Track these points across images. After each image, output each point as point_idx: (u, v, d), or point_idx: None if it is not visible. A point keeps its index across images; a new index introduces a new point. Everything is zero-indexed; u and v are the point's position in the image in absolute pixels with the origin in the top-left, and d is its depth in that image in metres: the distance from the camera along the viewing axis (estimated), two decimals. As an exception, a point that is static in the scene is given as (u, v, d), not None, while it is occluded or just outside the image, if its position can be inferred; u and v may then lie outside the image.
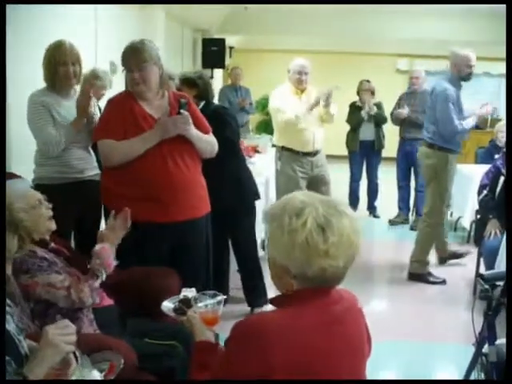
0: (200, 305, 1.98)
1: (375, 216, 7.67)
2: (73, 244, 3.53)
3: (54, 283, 2.38)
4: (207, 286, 2.91)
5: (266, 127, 12.61)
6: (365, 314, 1.71)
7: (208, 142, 3.36)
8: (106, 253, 2.50)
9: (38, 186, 3.49)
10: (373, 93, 7.34)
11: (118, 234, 2.65)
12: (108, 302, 2.68)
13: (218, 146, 3.68)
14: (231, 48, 11.74)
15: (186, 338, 2.41)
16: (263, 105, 13.08)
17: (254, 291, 4.31)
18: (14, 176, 2.83)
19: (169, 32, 7.66)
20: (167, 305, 2.14)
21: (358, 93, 7.47)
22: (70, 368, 1.76)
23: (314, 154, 5.27)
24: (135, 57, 3.10)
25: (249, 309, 4.36)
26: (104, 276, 2.47)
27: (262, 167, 6.28)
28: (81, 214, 3.52)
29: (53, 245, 2.64)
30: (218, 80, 10.16)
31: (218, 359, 1.63)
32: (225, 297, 2.13)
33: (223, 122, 3.98)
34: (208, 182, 3.50)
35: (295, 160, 5.25)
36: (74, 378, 1.75)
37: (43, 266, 2.41)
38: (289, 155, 5.28)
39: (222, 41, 9.46)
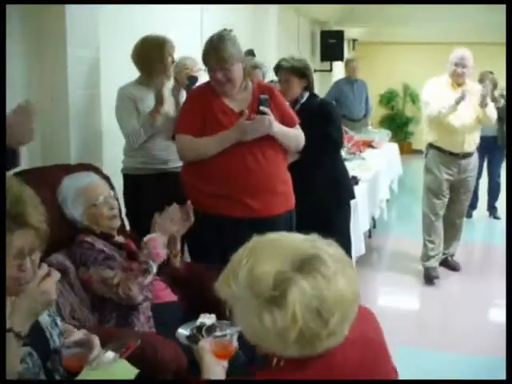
0: (217, 334, 1.77)
1: (496, 217, 7.19)
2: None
3: (106, 279, 2.34)
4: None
5: (389, 122, 12.21)
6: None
7: (294, 138, 3.18)
8: (154, 243, 2.43)
9: (126, 177, 3.61)
10: (495, 85, 6.77)
11: (177, 226, 2.57)
12: (171, 297, 2.59)
13: (319, 143, 3.57)
14: (354, 41, 11.44)
15: (247, 343, 2.25)
16: (388, 98, 12.69)
17: None
18: (91, 168, 2.85)
19: (283, 24, 7.57)
20: (182, 332, 2.00)
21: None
22: (93, 352, 1.67)
23: (464, 156, 4.83)
24: (217, 57, 2.93)
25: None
26: (154, 268, 2.38)
27: (372, 163, 6.02)
28: (164, 206, 3.48)
29: (117, 238, 2.61)
30: (336, 73, 9.91)
31: None
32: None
33: (329, 119, 3.77)
34: (304, 180, 3.42)
35: (442, 160, 4.86)
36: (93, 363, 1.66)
37: (98, 259, 2.38)
38: (435, 154, 4.91)
39: (341, 33, 9.27)
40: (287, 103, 3.34)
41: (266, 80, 4.30)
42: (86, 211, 2.50)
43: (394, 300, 4.80)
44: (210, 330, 1.87)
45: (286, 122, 3.12)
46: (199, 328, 1.96)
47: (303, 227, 3.86)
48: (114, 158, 3.63)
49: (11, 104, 3.03)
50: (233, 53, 2.94)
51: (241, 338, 1.76)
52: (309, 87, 3.84)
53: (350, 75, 8.27)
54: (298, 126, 3.22)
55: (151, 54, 3.46)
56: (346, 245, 4.00)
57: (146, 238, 2.46)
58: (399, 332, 3.82)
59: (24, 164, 2.91)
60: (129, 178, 3.60)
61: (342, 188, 3.94)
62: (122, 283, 2.32)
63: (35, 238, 1.59)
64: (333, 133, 3.76)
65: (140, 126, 3.41)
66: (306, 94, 3.83)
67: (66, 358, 1.65)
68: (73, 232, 2.51)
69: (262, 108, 2.97)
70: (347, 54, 10.25)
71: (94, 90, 3.45)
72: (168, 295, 2.58)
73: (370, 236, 6.11)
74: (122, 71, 3.67)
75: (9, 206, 1.53)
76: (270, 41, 7.13)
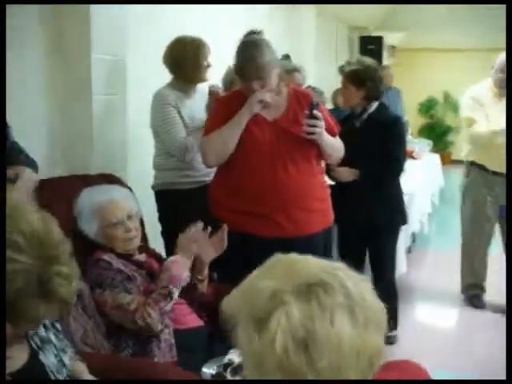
0: None
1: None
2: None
3: (121, 304, 2.12)
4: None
5: (429, 132, 11.84)
6: None
7: (337, 149, 2.93)
8: (176, 265, 2.21)
9: (161, 193, 3.35)
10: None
11: (204, 249, 2.35)
12: (196, 323, 2.36)
13: (382, 163, 3.36)
14: (393, 47, 11.13)
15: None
16: (427, 107, 12.32)
17: (389, 314, 3.81)
18: (113, 179, 2.65)
19: (321, 30, 7.34)
20: (207, 371, 1.77)
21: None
22: None
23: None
24: (254, 66, 2.65)
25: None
26: (175, 294, 2.16)
27: (413, 175, 5.72)
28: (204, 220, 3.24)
29: (137, 257, 2.40)
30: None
31: None
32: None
33: (398, 139, 3.49)
34: (359, 197, 3.38)
35: (486, 180, 4.26)
36: None
37: (115, 280, 2.17)
38: (479, 173, 4.30)
39: (380, 39, 8.99)
40: (327, 111, 3.08)
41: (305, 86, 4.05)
42: (101, 230, 2.31)
43: (432, 319, 4.49)
44: (240, 368, 1.64)
45: (328, 132, 2.84)
46: (226, 366, 1.73)
47: (350, 245, 3.70)
48: (139, 169, 3.41)
49: (33, 108, 2.90)
50: (270, 60, 2.68)
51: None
52: (373, 96, 3.50)
53: (384, 83, 7.92)
54: (337, 137, 2.97)
55: (185, 57, 3.21)
56: (390, 264, 3.73)
57: (168, 261, 2.24)
58: (436, 354, 3.57)
59: (43, 173, 2.75)
60: (164, 194, 3.33)
61: (396, 214, 3.65)
62: (140, 309, 2.10)
63: (57, 310, 1.27)
64: (399, 155, 3.49)
65: (194, 138, 3.10)
66: (376, 104, 3.54)
67: None
68: (89, 248, 2.31)
69: (315, 112, 2.70)
70: (386, 60, 9.95)
71: (119, 95, 3.24)
72: (193, 320, 2.36)
73: (409, 251, 5.80)
74: (151, 75, 3.48)
75: (33, 269, 1.16)
76: (307, 46, 6.90)
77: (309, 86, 5.15)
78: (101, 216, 2.30)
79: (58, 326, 1.59)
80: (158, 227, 3.36)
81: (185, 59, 3.21)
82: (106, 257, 2.24)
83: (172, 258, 2.25)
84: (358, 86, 3.47)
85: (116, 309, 2.13)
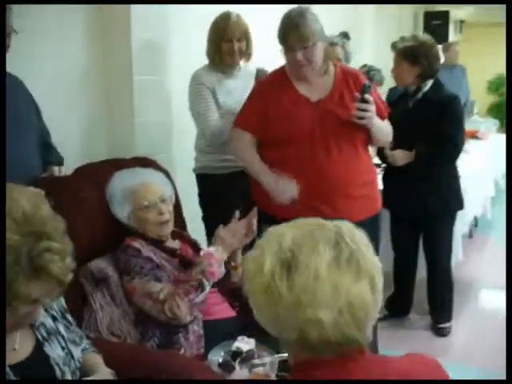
0: (256, 362, 1.46)
1: None
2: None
3: (150, 293, 2.06)
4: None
5: (497, 110, 11.34)
6: None
7: (386, 133, 2.78)
8: (211, 259, 2.12)
9: (201, 177, 3.26)
10: None
11: (238, 238, 2.26)
12: (227, 313, 2.29)
13: (438, 145, 3.23)
14: (461, 22, 10.67)
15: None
16: (496, 85, 11.80)
17: (440, 305, 3.67)
18: (148, 162, 2.60)
19: (382, 6, 7.06)
20: (213, 357, 1.67)
21: None
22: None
23: None
24: (298, 35, 2.53)
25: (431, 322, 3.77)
26: (207, 288, 2.09)
27: (477, 156, 5.45)
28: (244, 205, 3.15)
29: (170, 243, 2.34)
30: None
31: None
32: (281, 355, 1.59)
33: (452, 118, 3.31)
34: (412, 181, 3.29)
35: None
36: None
37: (145, 268, 2.11)
38: None
39: (446, 14, 8.60)
40: (378, 93, 2.92)
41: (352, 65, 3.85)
42: (133, 214, 2.25)
43: (490, 313, 4.26)
44: (247, 357, 1.57)
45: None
46: (234, 354, 1.65)
47: (402, 230, 3.53)
48: (182, 153, 3.34)
49: (76, 94, 2.88)
50: (315, 30, 2.55)
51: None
52: (428, 74, 3.34)
53: (449, 60, 7.56)
54: (386, 120, 2.82)
55: (209, 37, 3.07)
56: (446, 253, 3.55)
57: (202, 252, 2.17)
58: (492, 353, 3.38)
59: (83, 158, 2.74)
60: (204, 178, 3.24)
61: (451, 198, 3.48)
62: (168, 299, 2.04)
63: (52, 289, 1.24)
64: (457, 136, 3.32)
65: (227, 121, 2.93)
66: (430, 82, 3.36)
67: None
68: (121, 234, 2.27)
69: (366, 96, 2.55)
70: (453, 36, 9.54)
71: (161, 77, 3.18)
72: (224, 310, 2.28)
73: (470, 236, 5.56)
74: (194, 57, 3.38)
75: (23, 243, 1.15)
76: (367, 23, 6.66)
77: (364, 65, 4.96)
78: (133, 199, 2.25)
79: (69, 317, 1.55)
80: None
81: (208, 40, 3.09)
82: (135, 244, 2.19)
83: (209, 251, 2.17)
84: (411, 63, 3.31)
85: (144, 297, 2.07)
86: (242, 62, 3.17)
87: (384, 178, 3.53)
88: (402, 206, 3.47)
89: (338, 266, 1.02)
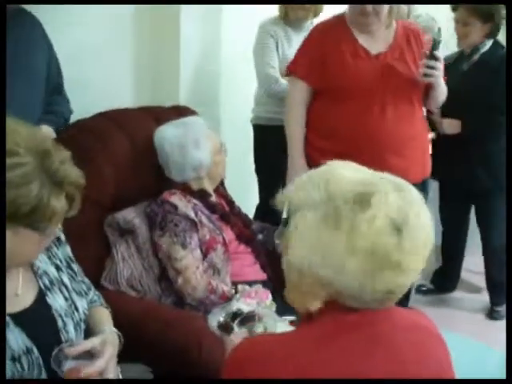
0: (254, 327, 1.36)
1: None
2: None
3: (173, 257, 2.01)
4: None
5: None
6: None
7: (444, 93, 2.60)
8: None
9: (256, 127, 3.25)
10: None
11: None
12: (258, 275, 2.18)
13: (490, 112, 3.00)
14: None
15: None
16: None
17: (497, 286, 3.42)
18: (188, 111, 2.50)
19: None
20: (212, 318, 1.57)
21: None
22: (95, 364, 1.31)
23: None
24: None
25: (484, 299, 3.54)
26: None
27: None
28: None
29: (213, 198, 2.24)
30: None
31: None
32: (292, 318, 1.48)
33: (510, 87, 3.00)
34: (462, 152, 3.08)
35: None
36: None
37: (179, 227, 2.03)
38: None
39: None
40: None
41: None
42: (211, 158, 2.21)
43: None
44: (248, 319, 1.48)
45: None
46: (235, 315, 1.57)
47: (451, 202, 3.28)
48: (230, 106, 3.22)
49: (120, 41, 2.79)
50: None
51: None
52: (493, 33, 3.09)
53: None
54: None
55: None
56: (498, 233, 3.30)
57: (240, 288, 2.04)
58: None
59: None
60: (258, 129, 3.23)
61: (503, 172, 3.19)
62: (184, 271, 1.99)
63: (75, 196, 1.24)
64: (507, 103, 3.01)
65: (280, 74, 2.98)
66: (490, 42, 3.10)
67: (66, 372, 1.29)
68: (154, 186, 2.19)
69: (436, 53, 2.40)
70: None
71: (213, 26, 3.04)
72: (253, 273, 2.17)
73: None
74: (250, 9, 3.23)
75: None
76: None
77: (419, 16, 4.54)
78: (211, 143, 2.21)
79: (75, 267, 1.47)
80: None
81: None
82: (173, 199, 2.09)
83: (248, 290, 2.02)
84: (484, 21, 3.04)
85: (166, 258, 2.03)
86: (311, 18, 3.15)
87: (433, 146, 3.33)
88: (451, 178, 3.26)
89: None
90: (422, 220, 0.99)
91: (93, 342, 1.33)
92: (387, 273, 0.95)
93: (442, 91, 2.56)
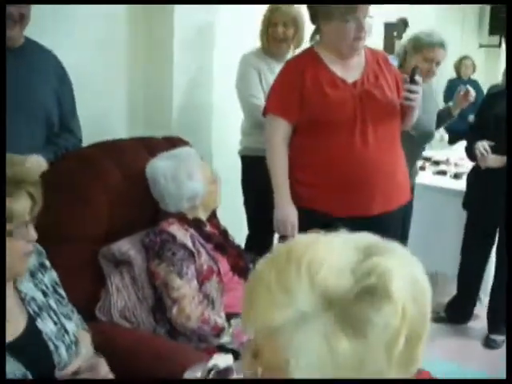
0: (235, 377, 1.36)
1: None
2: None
3: (169, 286, 2.01)
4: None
5: None
6: None
7: (416, 115, 2.64)
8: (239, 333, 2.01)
9: (244, 159, 3.24)
10: None
11: None
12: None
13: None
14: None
15: None
16: None
17: (497, 316, 3.35)
18: (180, 142, 2.53)
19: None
20: (190, 375, 1.59)
21: None
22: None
23: None
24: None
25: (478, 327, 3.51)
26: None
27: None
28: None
29: (208, 228, 2.26)
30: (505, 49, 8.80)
31: None
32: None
33: None
34: (501, 187, 2.95)
35: None
36: None
37: (176, 256, 2.04)
38: None
39: (514, 3, 8.12)
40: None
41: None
42: (205, 189, 2.23)
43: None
44: (224, 373, 1.46)
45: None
46: (211, 372, 1.56)
47: (476, 235, 3.26)
48: (222, 136, 3.30)
49: (114, 69, 2.83)
50: None
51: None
52: None
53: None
54: None
55: (265, 18, 3.07)
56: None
57: (234, 322, 2.05)
58: None
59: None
60: (247, 160, 3.21)
61: None
62: (180, 302, 1.99)
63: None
64: None
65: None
66: None
67: None
68: (147, 217, 2.21)
69: (416, 78, 2.44)
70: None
71: (205, 59, 3.12)
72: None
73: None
74: (243, 39, 3.29)
75: None
76: (428, 9, 6.38)
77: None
78: (204, 173, 2.25)
79: (61, 291, 1.53)
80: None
81: (264, 18, 3.09)
82: (171, 229, 2.10)
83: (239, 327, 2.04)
84: None
85: (163, 286, 2.03)
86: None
87: (469, 178, 3.33)
88: (481, 211, 3.25)
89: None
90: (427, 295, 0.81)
91: (81, 360, 1.42)
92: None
93: (416, 114, 2.59)
